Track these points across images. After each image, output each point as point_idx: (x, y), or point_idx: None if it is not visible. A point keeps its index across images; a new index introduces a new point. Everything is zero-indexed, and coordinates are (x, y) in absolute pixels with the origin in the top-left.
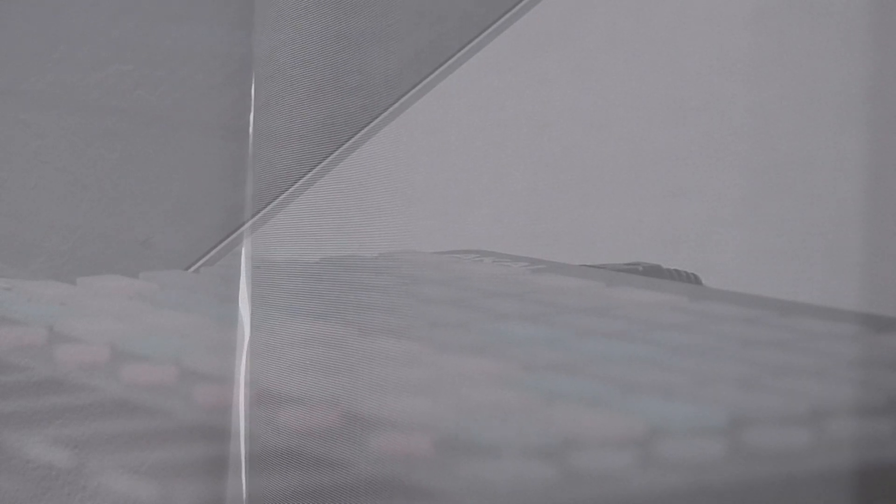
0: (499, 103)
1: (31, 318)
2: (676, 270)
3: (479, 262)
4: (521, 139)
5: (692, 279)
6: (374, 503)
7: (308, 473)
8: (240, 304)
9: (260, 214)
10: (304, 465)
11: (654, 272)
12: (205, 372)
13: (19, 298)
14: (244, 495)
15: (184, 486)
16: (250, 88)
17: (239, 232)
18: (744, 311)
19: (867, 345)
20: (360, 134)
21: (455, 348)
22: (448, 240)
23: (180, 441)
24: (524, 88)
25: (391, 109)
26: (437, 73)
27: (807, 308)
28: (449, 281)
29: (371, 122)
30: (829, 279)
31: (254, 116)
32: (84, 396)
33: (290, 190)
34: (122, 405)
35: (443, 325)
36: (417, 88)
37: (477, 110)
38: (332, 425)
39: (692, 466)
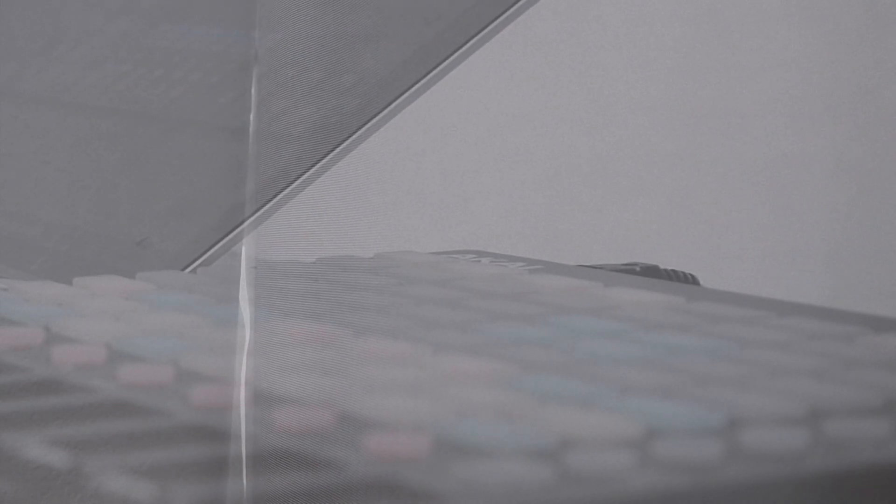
0: (496, 104)
1: (28, 318)
2: (674, 271)
3: (476, 263)
4: (518, 139)
5: (690, 279)
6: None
7: (308, 474)
8: (240, 304)
9: (257, 215)
10: (303, 466)
11: (651, 272)
12: (202, 372)
13: (16, 299)
14: (244, 496)
15: (183, 487)
16: (249, 88)
17: (236, 232)
18: (742, 311)
19: (866, 345)
20: (356, 134)
21: (452, 349)
22: (445, 240)
23: (179, 441)
24: (521, 89)
25: (388, 110)
26: (433, 73)
27: (805, 308)
28: (446, 281)
29: (368, 122)
30: (828, 279)
31: (252, 116)
32: (81, 397)
33: (287, 190)
34: (119, 406)
35: (440, 326)
36: (414, 89)
37: (474, 111)
38: (334, 426)
39: (690, 467)
